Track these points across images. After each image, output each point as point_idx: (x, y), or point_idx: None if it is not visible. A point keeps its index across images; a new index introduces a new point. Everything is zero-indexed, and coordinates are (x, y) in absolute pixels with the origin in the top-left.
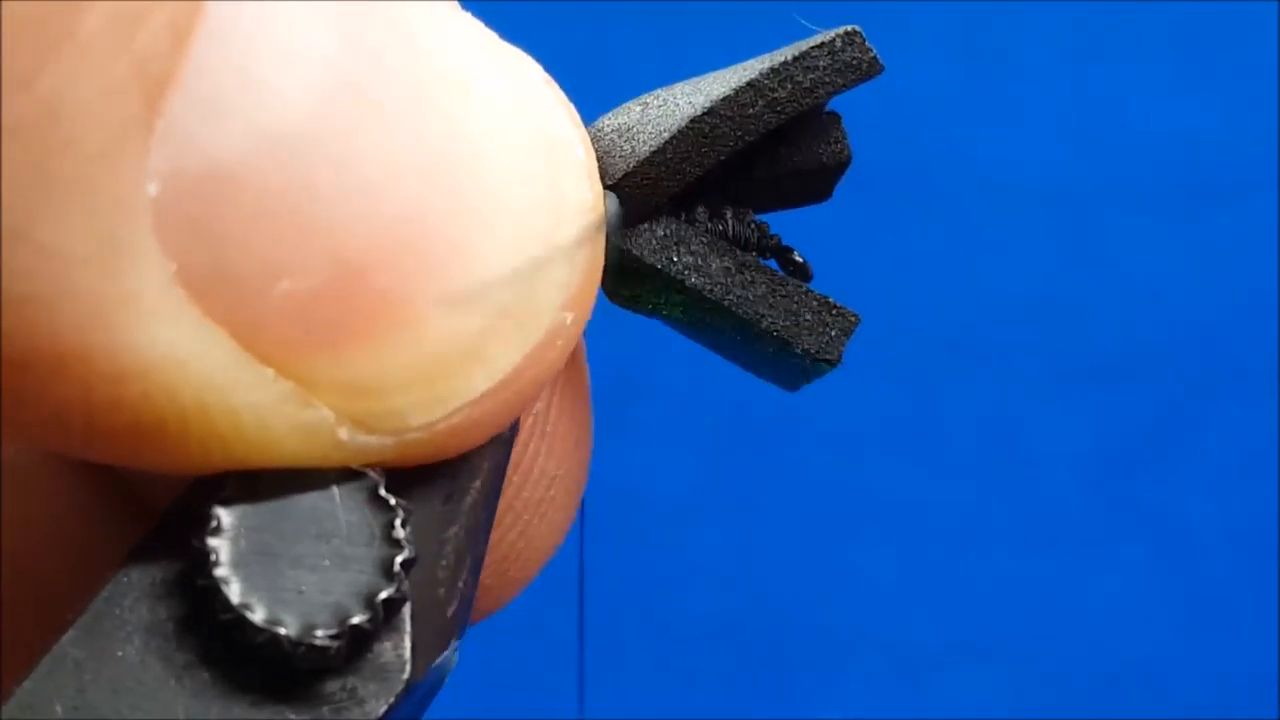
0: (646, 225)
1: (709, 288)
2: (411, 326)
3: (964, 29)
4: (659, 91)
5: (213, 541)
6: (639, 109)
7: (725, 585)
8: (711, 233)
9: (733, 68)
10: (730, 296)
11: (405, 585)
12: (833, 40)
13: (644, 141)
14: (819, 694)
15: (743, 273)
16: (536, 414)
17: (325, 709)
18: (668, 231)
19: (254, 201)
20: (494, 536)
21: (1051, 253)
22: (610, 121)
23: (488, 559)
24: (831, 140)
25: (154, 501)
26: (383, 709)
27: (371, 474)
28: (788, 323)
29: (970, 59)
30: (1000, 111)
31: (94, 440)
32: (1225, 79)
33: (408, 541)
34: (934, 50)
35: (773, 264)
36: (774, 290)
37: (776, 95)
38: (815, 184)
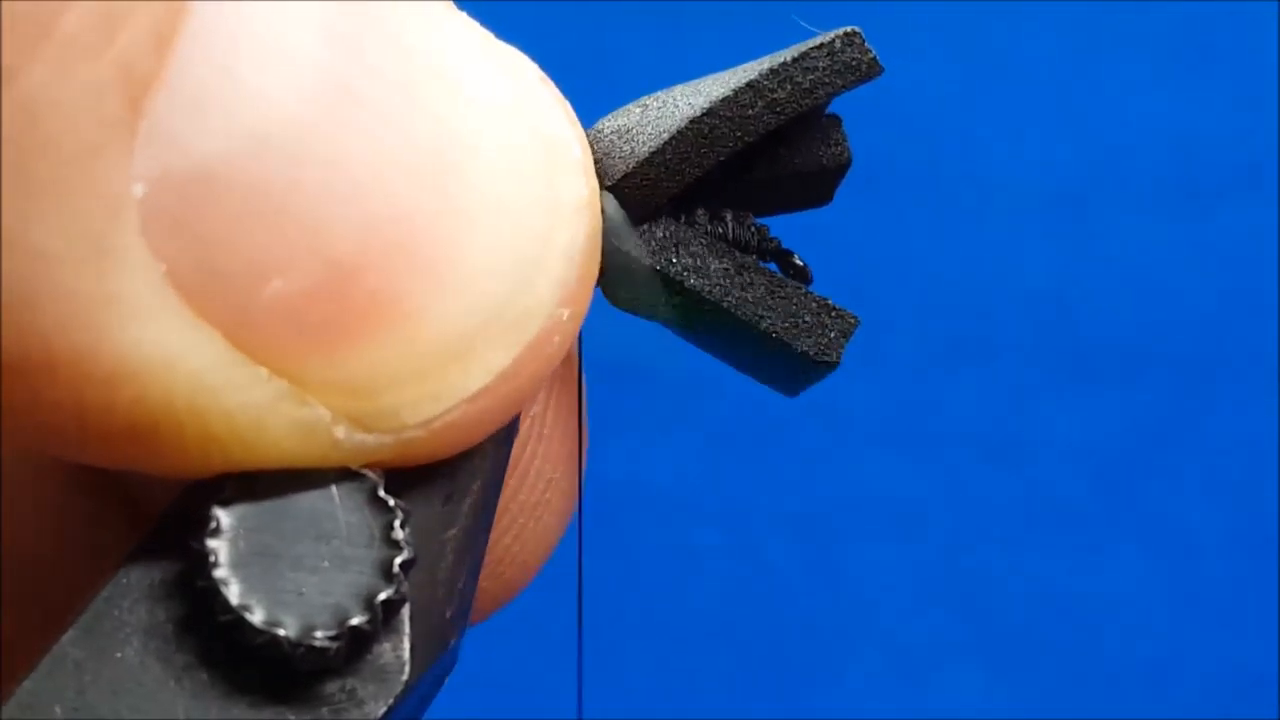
0: (646, 227)
1: (708, 289)
2: (404, 325)
3: (964, 29)
4: (659, 94)
5: (212, 543)
6: (639, 111)
7: (725, 584)
8: (711, 235)
9: (733, 70)
10: (729, 298)
11: (404, 586)
12: (832, 41)
13: (643, 143)
14: (819, 694)
15: (742, 274)
16: (534, 416)
17: (325, 710)
18: (667, 233)
19: (242, 202)
20: (491, 538)
21: (1052, 252)
22: (610, 123)
23: (485, 561)
24: (832, 142)
25: (153, 504)
26: (382, 710)
27: (371, 475)
28: (787, 324)
29: (970, 59)
30: (1000, 111)
31: (89, 444)
32: (1226, 78)
33: (407, 543)
34: (934, 50)
35: (773, 267)
36: (773, 292)
37: (776, 96)
38: (816, 187)
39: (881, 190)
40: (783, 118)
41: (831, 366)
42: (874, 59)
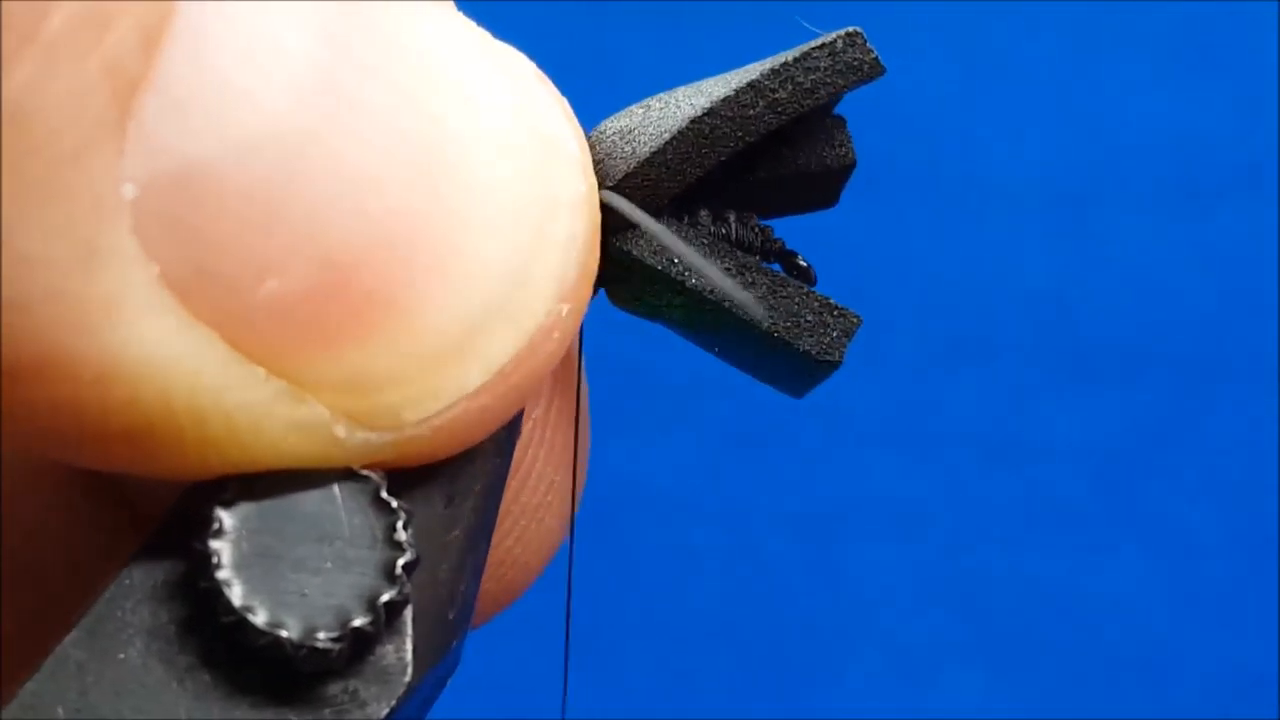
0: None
1: (709, 289)
2: (402, 322)
3: (964, 29)
4: (662, 95)
5: (214, 544)
6: (641, 112)
7: (725, 584)
8: (714, 235)
9: (736, 71)
10: (731, 297)
11: (407, 588)
12: (834, 41)
13: (644, 143)
14: (819, 694)
15: (743, 274)
16: (535, 419)
17: (327, 711)
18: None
19: (235, 202)
20: (493, 540)
21: (1051, 252)
22: (613, 124)
23: (487, 562)
24: (836, 143)
25: (153, 506)
26: (384, 711)
27: (373, 476)
28: (789, 324)
29: (970, 59)
30: (1000, 111)
31: (87, 446)
32: (1226, 78)
33: (409, 544)
34: (934, 50)
35: (777, 267)
36: (775, 291)
37: (777, 96)
38: (821, 188)
39: (882, 190)
40: (784, 118)
41: (834, 366)
42: (876, 59)
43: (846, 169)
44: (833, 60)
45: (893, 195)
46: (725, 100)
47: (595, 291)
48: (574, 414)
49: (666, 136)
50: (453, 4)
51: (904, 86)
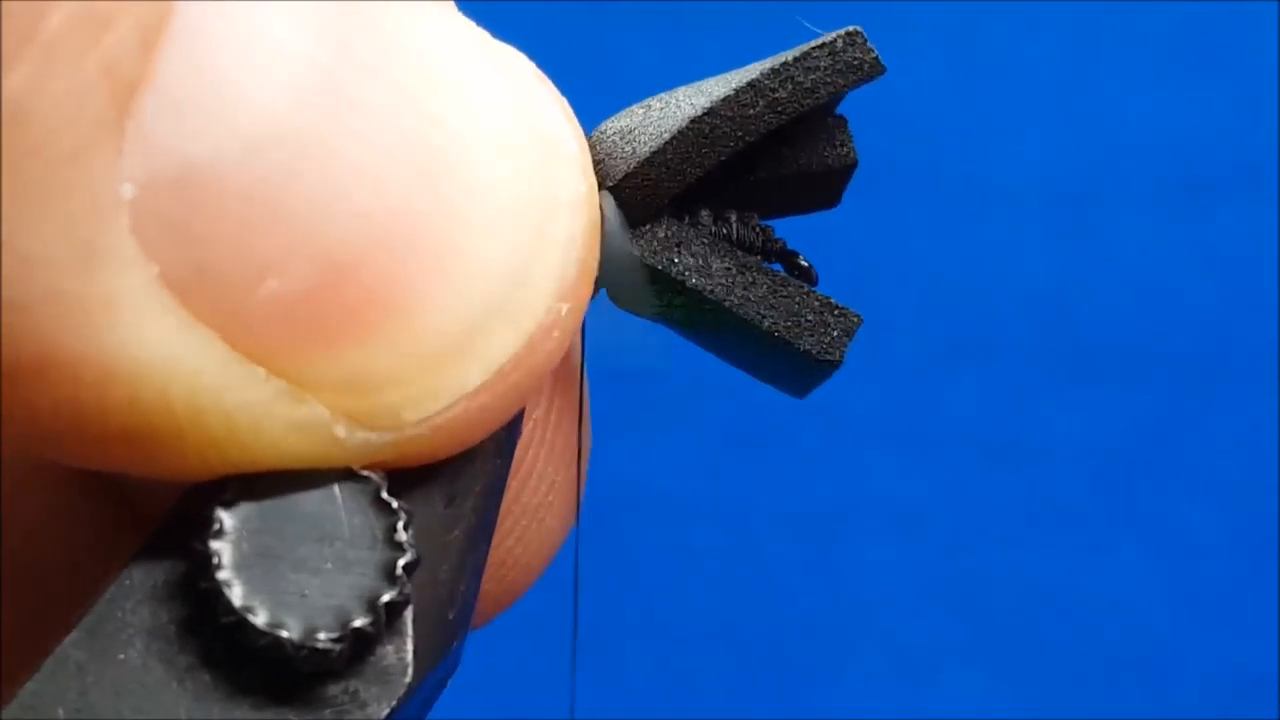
0: (648, 227)
1: (710, 288)
2: (401, 322)
3: (964, 29)
4: (662, 95)
5: (215, 544)
6: (641, 112)
7: (725, 584)
8: (714, 235)
9: (736, 71)
10: (731, 297)
11: (407, 588)
12: (834, 41)
13: (644, 143)
14: (819, 694)
15: (744, 274)
16: (536, 419)
17: (327, 712)
18: (669, 233)
19: (234, 202)
20: (493, 540)
21: (1051, 252)
22: (613, 124)
23: (487, 563)
24: (837, 143)
25: (153, 506)
26: (385, 712)
27: (374, 477)
28: (789, 323)
29: (970, 59)
30: (1000, 111)
31: (87, 447)
32: (1226, 78)
33: (410, 544)
34: (934, 50)
35: (778, 268)
36: (775, 291)
37: (777, 95)
38: (823, 188)
39: (882, 190)
40: (784, 118)
41: (834, 365)
42: (876, 58)
43: (848, 169)
44: (833, 60)
45: (892, 195)
46: (725, 100)
47: (596, 291)
48: (575, 414)
49: (666, 136)
50: (453, 4)
51: (904, 86)
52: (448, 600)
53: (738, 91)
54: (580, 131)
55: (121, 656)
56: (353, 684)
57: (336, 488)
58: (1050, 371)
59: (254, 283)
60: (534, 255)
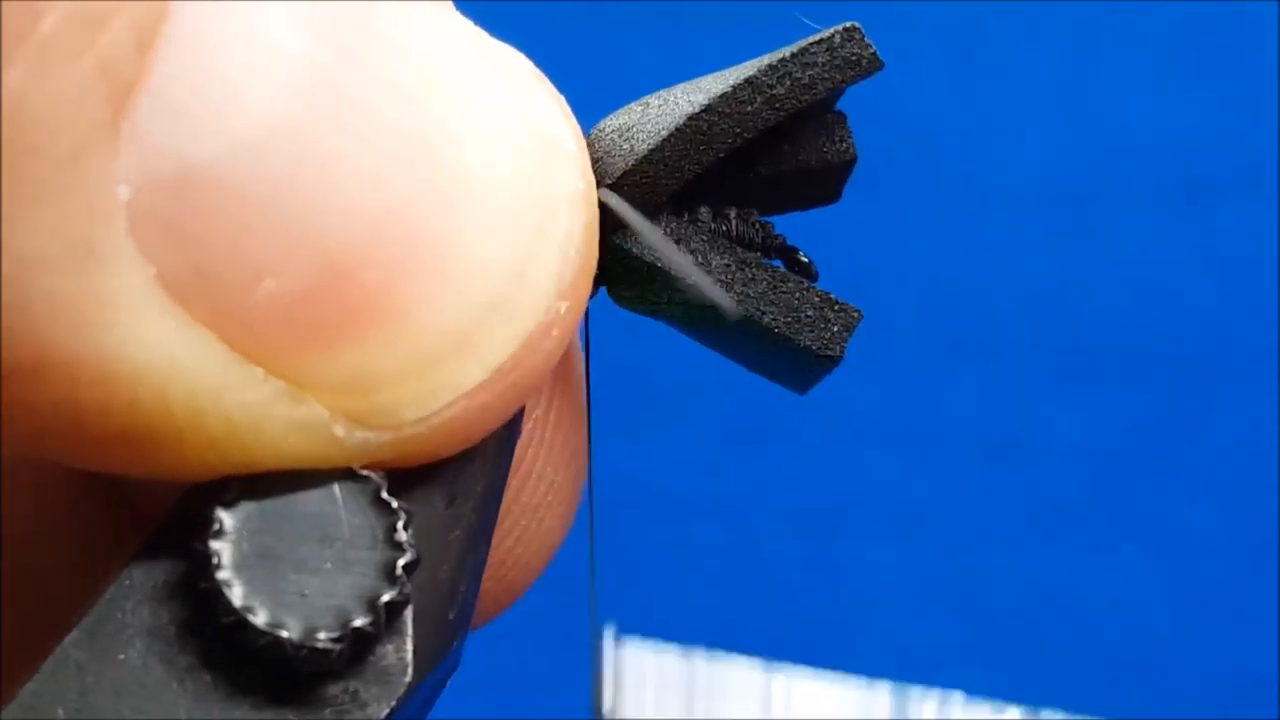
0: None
1: (709, 285)
2: (401, 321)
3: (964, 29)
4: (661, 92)
5: (215, 544)
6: (640, 109)
7: (725, 583)
8: (714, 232)
9: (735, 67)
10: (731, 294)
11: (407, 588)
12: (831, 36)
13: (643, 140)
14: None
15: (743, 270)
16: (536, 419)
17: (327, 711)
18: (668, 230)
19: (230, 203)
20: (493, 540)
21: (1051, 252)
22: (612, 122)
23: (487, 563)
24: (836, 139)
25: (153, 506)
26: (385, 711)
27: (374, 477)
28: (789, 319)
29: (970, 59)
30: (1000, 111)
31: (87, 448)
32: (1226, 78)
33: (410, 544)
34: (934, 50)
35: (778, 263)
36: (775, 287)
37: (775, 92)
38: (822, 184)
39: (881, 190)
40: (782, 114)
41: (835, 361)
42: (874, 54)
43: (847, 165)
44: (830, 55)
45: (891, 195)
46: (723, 97)
47: (595, 289)
48: (575, 413)
49: (664, 134)
50: (451, 4)
51: (903, 86)
52: (448, 600)
53: (736, 88)
54: (578, 130)
55: (121, 656)
56: (353, 684)
57: (337, 488)
58: (1050, 371)
59: (252, 283)
60: (533, 254)
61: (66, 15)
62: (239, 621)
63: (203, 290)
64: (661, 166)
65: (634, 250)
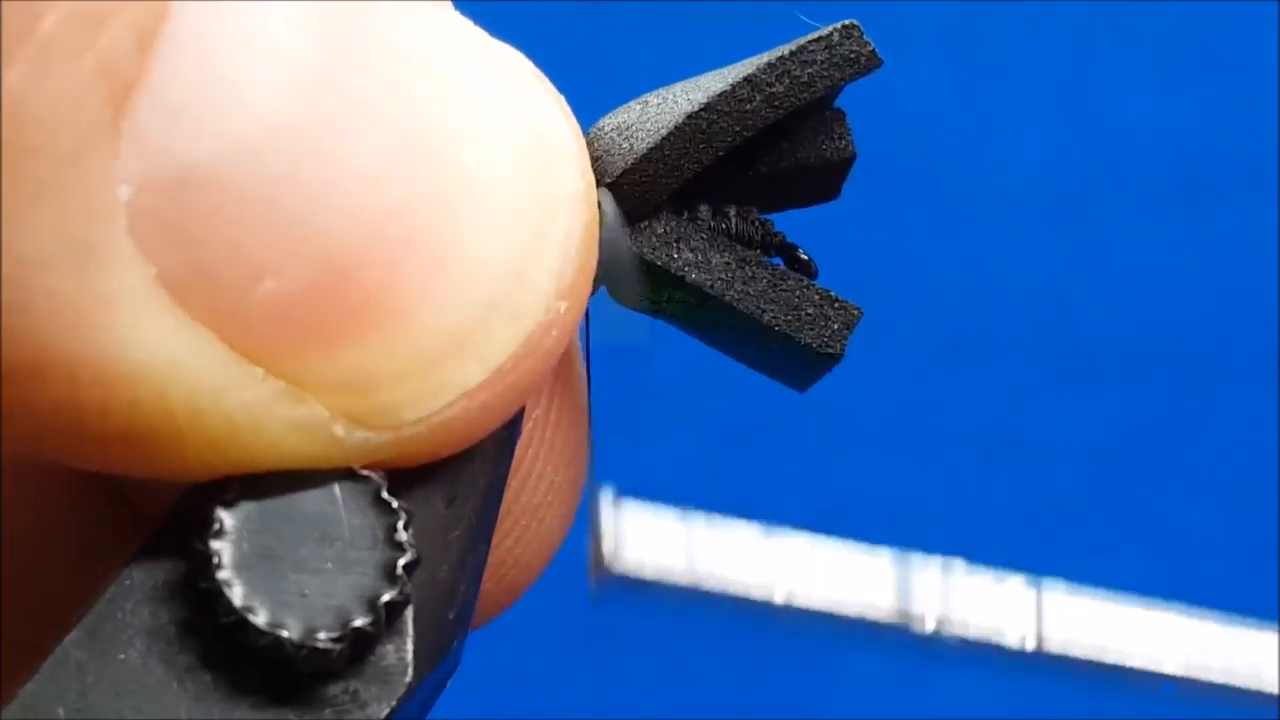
0: (646, 223)
1: (709, 283)
2: (401, 321)
3: (964, 29)
4: (660, 90)
5: (215, 544)
6: (639, 107)
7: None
8: (714, 230)
9: (733, 65)
10: (731, 292)
11: (408, 588)
12: (830, 34)
13: (642, 139)
14: (819, 694)
15: (743, 268)
16: (536, 418)
17: (328, 712)
18: (668, 228)
19: (231, 202)
20: (493, 540)
21: (1052, 252)
22: (611, 121)
23: (487, 563)
24: (835, 136)
25: (152, 506)
26: (385, 712)
27: (374, 477)
28: (789, 317)
29: (970, 59)
30: (1000, 111)
31: (87, 448)
32: (1226, 78)
33: (410, 544)
34: (934, 50)
35: (778, 261)
36: (775, 285)
37: (774, 90)
38: (822, 181)
39: (880, 190)
40: (781, 112)
41: (835, 359)
42: (873, 51)
43: (846, 162)
44: (829, 53)
45: (891, 195)
46: (722, 95)
47: (595, 288)
48: (575, 413)
49: (664, 132)
50: (450, 3)
51: (903, 86)
52: (448, 600)
53: (735, 86)
54: (578, 129)
55: (122, 656)
56: (353, 684)
57: (337, 488)
58: (1050, 371)
59: (252, 283)
60: (532, 254)
61: (67, 15)
62: (239, 621)
63: (203, 290)
64: (661, 165)
65: (635, 249)
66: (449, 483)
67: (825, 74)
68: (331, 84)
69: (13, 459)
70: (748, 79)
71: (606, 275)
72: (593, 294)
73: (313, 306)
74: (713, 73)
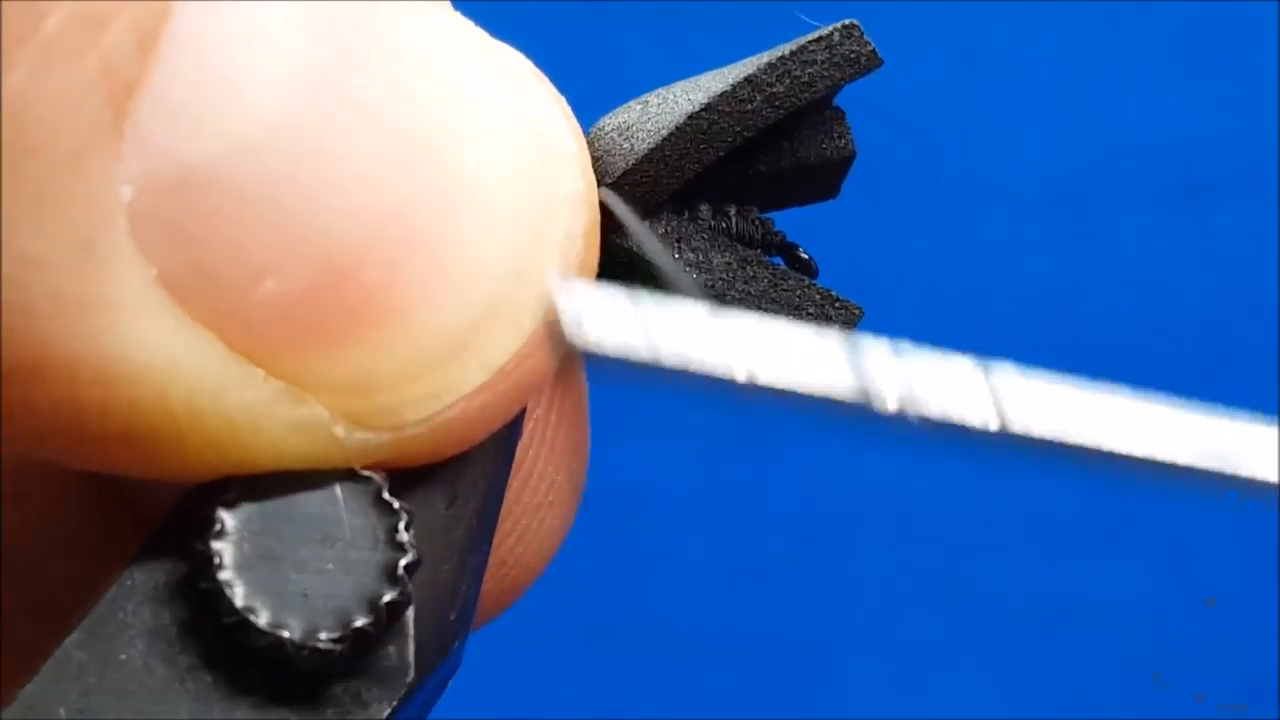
0: (647, 223)
1: (710, 283)
2: (401, 322)
3: (964, 29)
4: (660, 90)
5: (216, 545)
6: (639, 107)
7: (725, 584)
8: (714, 230)
9: (733, 65)
10: (732, 292)
11: (409, 589)
12: (830, 34)
13: (643, 139)
14: (819, 694)
15: (744, 268)
16: (536, 418)
17: (329, 712)
18: (669, 229)
19: (231, 203)
20: (494, 540)
21: (1052, 252)
22: (611, 121)
23: (488, 563)
24: (835, 135)
25: (153, 506)
26: (386, 712)
27: (375, 477)
28: (790, 316)
29: (970, 59)
30: (1000, 111)
31: (87, 448)
32: (1226, 78)
33: (411, 545)
34: (934, 50)
35: (779, 260)
36: (776, 285)
37: (774, 90)
38: (821, 180)
39: (880, 189)
40: (782, 112)
41: None
42: (873, 51)
43: (846, 161)
44: (830, 53)
45: (891, 195)
46: (723, 95)
47: None
48: (575, 412)
49: (664, 133)
50: (449, 3)
51: (903, 86)
52: (449, 600)
53: (735, 86)
54: (579, 130)
55: (123, 657)
56: (354, 684)
57: (338, 488)
58: (1050, 371)
59: (252, 284)
60: (533, 254)
61: (68, 16)
62: (240, 622)
63: (203, 290)
64: (662, 165)
65: (636, 249)
66: (450, 483)
67: (825, 74)
68: (331, 84)
69: (13, 459)
70: (748, 79)
71: (606, 275)
72: None
73: (313, 307)
74: (713, 72)
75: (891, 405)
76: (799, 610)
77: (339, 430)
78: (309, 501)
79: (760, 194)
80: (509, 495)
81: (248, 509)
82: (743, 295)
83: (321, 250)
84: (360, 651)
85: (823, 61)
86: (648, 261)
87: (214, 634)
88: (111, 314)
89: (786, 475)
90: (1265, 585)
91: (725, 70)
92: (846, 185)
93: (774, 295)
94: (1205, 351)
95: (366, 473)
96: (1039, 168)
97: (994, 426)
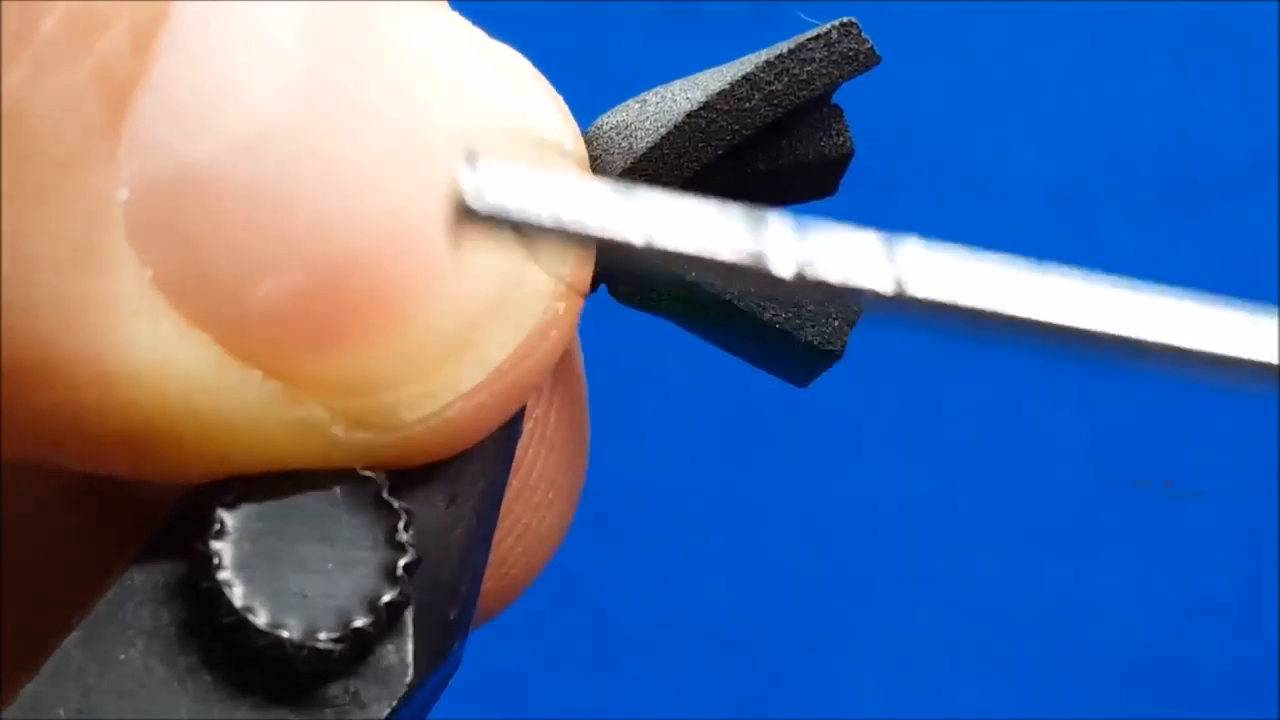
0: None
1: (710, 282)
2: (399, 322)
3: (964, 28)
4: (658, 89)
5: (216, 545)
6: (637, 106)
7: (725, 584)
8: None
9: (732, 63)
10: (732, 290)
11: (408, 588)
12: (829, 32)
13: (641, 138)
14: (819, 694)
15: None
16: (536, 418)
17: (328, 712)
18: None
19: (228, 204)
20: (494, 539)
21: (1051, 252)
22: (609, 120)
23: (488, 562)
24: (833, 133)
25: (153, 506)
26: (385, 712)
27: (375, 477)
28: (790, 314)
29: (971, 58)
30: (1000, 111)
31: (87, 450)
32: (1226, 78)
33: (411, 545)
34: (934, 50)
35: None
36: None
37: (773, 88)
38: (819, 178)
39: (880, 189)
40: (780, 110)
41: (836, 356)
42: (871, 49)
43: (844, 158)
44: (828, 51)
45: (890, 194)
46: (721, 94)
47: (594, 287)
48: (574, 411)
49: (663, 131)
50: (447, 3)
51: (902, 85)
52: (449, 600)
53: (733, 85)
54: (576, 129)
55: (122, 657)
56: (353, 684)
57: (338, 488)
58: (1051, 370)
59: (250, 284)
60: (530, 254)
61: (65, 17)
62: (240, 622)
63: (200, 292)
64: (661, 164)
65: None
66: (449, 482)
67: (824, 72)
68: (331, 84)
69: (12, 459)
70: (746, 77)
71: (605, 273)
72: (591, 293)
73: (311, 307)
74: (711, 71)
75: (788, 270)
76: (799, 610)
77: (338, 430)
78: (308, 501)
79: (758, 192)
80: (509, 495)
81: (247, 509)
82: (742, 293)
83: (320, 250)
84: (360, 651)
85: (821, 59)
86: (648, 260)
87: (214, 634)
88: (110, 316)
89: (787, 475)
90: (1265, 585)
91: (723, 68)
92: (844, 183)
93: (774, 293)
94: None
95: (366, 473)
96: (1038, 166)
97: (889, 291)
